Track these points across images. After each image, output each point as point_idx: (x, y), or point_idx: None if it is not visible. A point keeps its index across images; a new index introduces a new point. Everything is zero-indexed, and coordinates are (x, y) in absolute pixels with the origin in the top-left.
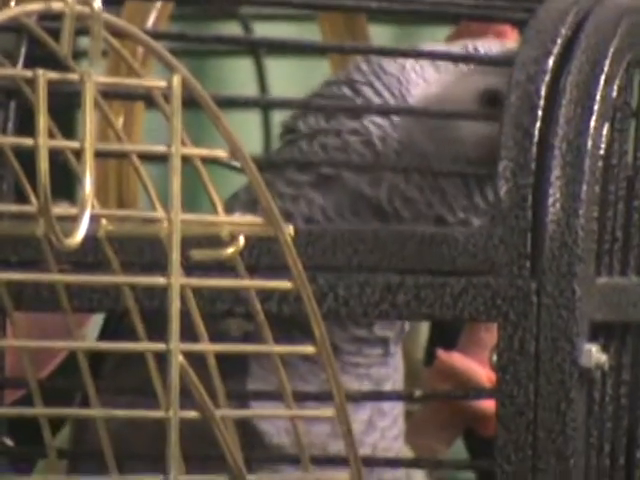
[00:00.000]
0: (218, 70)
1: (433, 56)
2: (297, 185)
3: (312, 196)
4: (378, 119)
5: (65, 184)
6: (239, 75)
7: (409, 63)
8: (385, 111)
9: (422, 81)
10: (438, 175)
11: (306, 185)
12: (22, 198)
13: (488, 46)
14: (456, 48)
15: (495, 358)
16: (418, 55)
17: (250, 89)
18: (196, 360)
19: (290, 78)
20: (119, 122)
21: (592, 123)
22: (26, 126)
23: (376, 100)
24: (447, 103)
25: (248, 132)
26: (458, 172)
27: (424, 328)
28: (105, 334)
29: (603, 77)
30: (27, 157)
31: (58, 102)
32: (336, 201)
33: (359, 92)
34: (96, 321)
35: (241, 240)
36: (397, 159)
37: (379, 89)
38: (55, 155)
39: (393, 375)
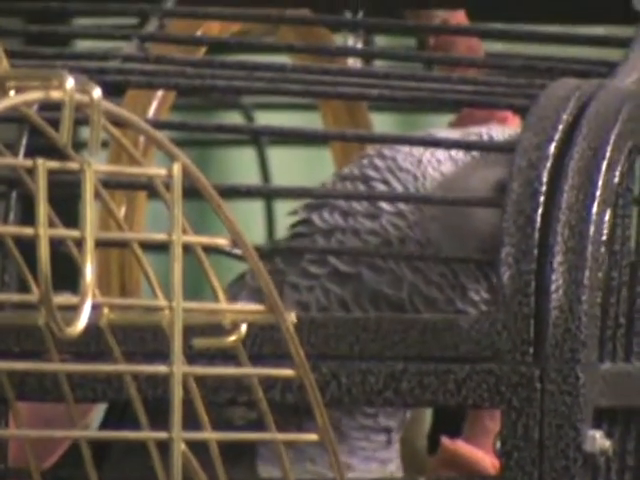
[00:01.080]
0: (220, 159)
1: (434, 144)
2: (313, 277)
3: (329, 287)
4: (396, 219)
5: (67, 273)
6: (242, 164)
7: (425, 157)
8: (394, 199)
9: (439, 175)
10: (458, 273)
11: (323, 277)
12: (25, 287)
13: (502, 133)
14: (472, 135)
15: (499, 445)
16: (421, 143)
17: (253, 178)
18: (202, 448)
19: (292, 166)
20: (121, 210)
21: (594, 209)
22: (29, 215)
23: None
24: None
25: (251, 221)
26: (474, 260)
27: (427, 415)
28: (108, 423)
29: (605, 163)
30: (29, 246)
31: (59, 191)
32: (355, 293)
33: (374, 190)
34: (99, 410)
35: (243, 328)
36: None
37: (395, 187)
38: (56, 244)
39: (395, 458)
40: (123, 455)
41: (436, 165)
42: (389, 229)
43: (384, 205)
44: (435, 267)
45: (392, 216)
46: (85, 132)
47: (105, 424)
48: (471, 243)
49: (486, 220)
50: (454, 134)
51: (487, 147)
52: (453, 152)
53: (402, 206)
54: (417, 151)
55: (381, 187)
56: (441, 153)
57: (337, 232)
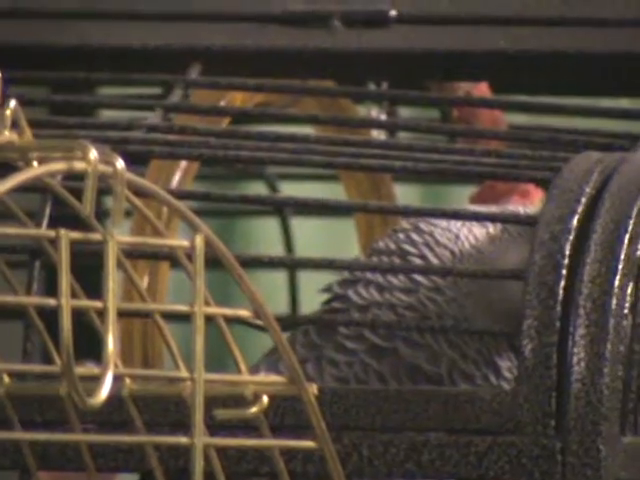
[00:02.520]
0: (244, 230)
1: (457, 217)
2: (351, 352)
3: (368, 361)
4: (433, 294)
5: (90, 342)
6: (265, 234)
7: (463, 233)
8: (417, 271)
9: (476, 252)
10: (491, 350)
11: (360, 352)
12: (48, 356)
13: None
14: (508, 210)
15: None
16: (443, 215)
17: (276, 248)
18: None
19: (316, 237)
20: (144, 281)
21: (616, 282)
22: (52, 284)
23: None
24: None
25: (274, 292)
26: (498, 332)
27: None
28: None
29: (627, 236)
30: (52, 316)
31: (82, 260)
32: (392, 368)
33: (411, 264)
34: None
35: (265, 399)
36: (454, 335)
37: (432, 262)
38: (79, 315)
39: None
40: None
41: (474, 242)
42: (426, 304)
43: (421, 279)
44: (472, 343)
45: (429, 291)
46: (108, 201)
47: None
48: (504, 319)
49: (520, 297)
50: (487, 209)
51: (509, 220)
52: (491, 229)
53: (439, 281)
54: (455, 226)
55: (418, 262)
56: (478, 230)
57: (373, 307)
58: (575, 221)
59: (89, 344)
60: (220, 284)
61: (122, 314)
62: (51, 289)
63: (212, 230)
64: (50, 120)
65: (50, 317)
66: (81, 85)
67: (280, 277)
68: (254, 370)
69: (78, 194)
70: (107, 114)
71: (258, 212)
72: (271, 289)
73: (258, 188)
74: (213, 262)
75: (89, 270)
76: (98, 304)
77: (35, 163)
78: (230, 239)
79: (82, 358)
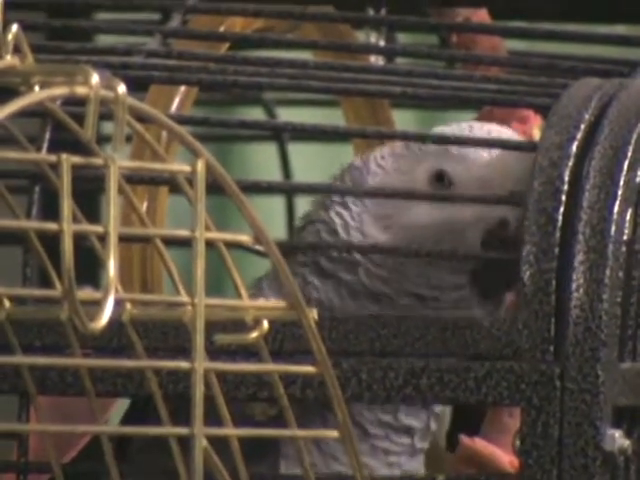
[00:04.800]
0: (242, 155)
1: (457, 142)
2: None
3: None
4: (340, 209)
5: (89, 268)
6: (263, 160)
7: (372, 156)
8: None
9: (381, 170)
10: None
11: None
12: (47, 282)
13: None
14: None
15: (518, 443)
16: (441, 140)
17: (274, 174)
18: (224, 445)
19: (314, 163)
20: (143, 206)
21: (615, 208)
22: (51, 210)
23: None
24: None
25: (271, 216)
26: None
27: (446, 414)
28: (130, 417)
29: (627, 162)
30: (52, 241)
31: (82, 186)
32: (336, 287)
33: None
34: (121, 404)
35: (265, 324)
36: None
37: (347, 183)
38: (79, 239)
39: (420, 470)
40: (144, 449)
41: (381, 161)
42: (335, 219)
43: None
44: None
45: (340, 208)
46: (107, 127)
47: (127, 418)
48: (409, 232)
49: (425, 211)
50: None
51: (509, 146)
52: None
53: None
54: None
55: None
56: (386, 151)
57: (309, 225)
58: (574, 147)
59: (87, 269)
60: (217, 210)
61: (123, 239)
62: (50, 214)
63: (211, 155)
64: (49, 45)
65: (49, 242)
66: (80, 10)
67: (277, 202)
68: (256, 291)
69: (77, 119)
70: (105, 39)
71: (256, 137)
72: (269, 214)
73: (256, 114)
74: (212, 188)
75: (86, 195)
76: (99, 229)
77: (37, 88)
78: (227, 164)
79: (80, 283)
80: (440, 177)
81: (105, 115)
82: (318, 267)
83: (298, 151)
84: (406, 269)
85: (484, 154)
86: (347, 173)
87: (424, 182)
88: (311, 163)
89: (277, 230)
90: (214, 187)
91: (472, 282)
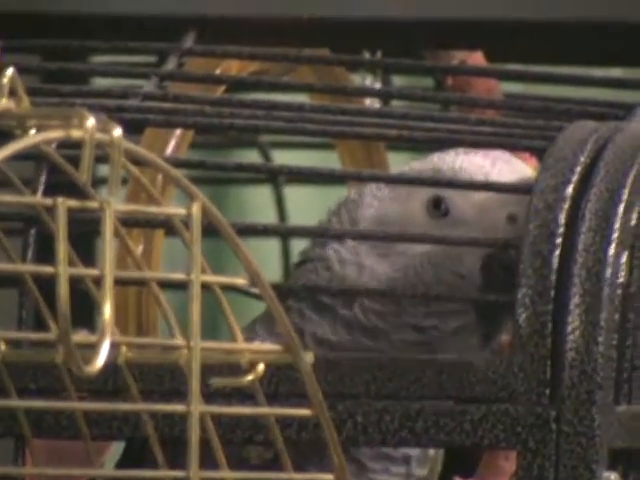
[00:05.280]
0: (238, 197)
1: (454, 185)
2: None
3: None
4: (336, 245)
5: (85, 311)
6: (258, 202)
7: (368, 187)
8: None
9: (377, 201)
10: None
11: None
12: (42, 325)
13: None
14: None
15: None
16: (437, 184)
17: (269, 216)
18: None
19: (309, 205)
20: (139, 249)
21: (611, 251)
22: (46, 252)
23: (338, 226)
24: (398, 219)
25: (267, 259)
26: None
27: (439, 455)
28: (126, 460)
29: (622, 205)
30: (47, 283)
31: (78, 229)
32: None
33: (330, 222)
34: (117, 447)
35: (260, 367)
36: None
37: (343, 217)
38: (75, 282)
39: None
40: None
41: (377, 193)
42: (330, 255)
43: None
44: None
45: (335, 243)
46: (103, 169)
47: (123, 461)
48: (403, 260)
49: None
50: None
51: (503, 188)
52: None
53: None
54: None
55: (334, 219)
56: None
57: (309, 263)
58: (570, 190)
59: (83, 311)
60: (213, 251)
61: (118, 282)
62: (45, 257)
63: (207, 198)
64: (45, 88)
65: (45, 285)
66: (76, 53)
67: (273, 245)
68: (250, 333)
69: (74, 162)
70: (100, 82)
71: (252, 180)
72: (264, 257)
73: (252, 156)
74: (207, 230)
75: (82, 238)
76: (95, 272)
77: (32, 131)
78: (223, 207)
79: (75, 326)
80: (437, 203)
81: (101, 158)
82: (315, 300)
83: (294, 193)
84: (403, 299)
85: (481, 179)
86: (343, 207)
87: (421, 209)
88: (307, 205)
89: (273, 272)
90: (210, 230)
91: (472, 306)
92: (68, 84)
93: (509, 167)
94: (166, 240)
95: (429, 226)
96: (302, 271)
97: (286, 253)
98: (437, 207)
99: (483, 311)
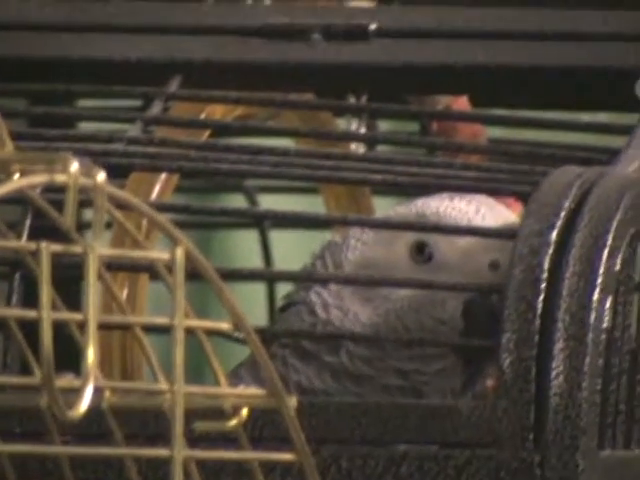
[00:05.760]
0: (223, 242)
1: (439, 230)
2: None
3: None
4: (320, 289)
5: (69, 355)
6: (244, 247)
7: (352, 231)
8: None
9: (360, 244)
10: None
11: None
12: (27, 369)
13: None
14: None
15: None
16: (423, 229)
17: (255, 261)
18: None
19: (295, 250)
20: (123, 293)
21: (595, 296)
22: (31, 296)
23: (322, 270)
24: (381, 263)
25: (252, 303)
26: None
27: None
28: None
29: (606, 251)
30: (31, 327)
31: (62, 273)
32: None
33: (315, 266)
34: None
35: (244, 412)
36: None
37: (327, 261)
38: (59, 327)
39: None
40: None
41: (362, 237)
42: (314, 299)
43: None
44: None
45: (319, 287)
46: (88, 213)
47: None
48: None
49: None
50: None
51: (488, 233)
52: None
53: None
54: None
55: (318, 262)
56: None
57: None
58: (554, 235)
59: (66, 356)
60: (198, 296)
61: (102, 326)
62: (30, 300)
63: (191, 242)
64: (30, 132)
65: (29, 329)
66: (61, 97)
67: (259, 289)
68: (234, 378)
69: (58, 206)
70: (86, 127)
71: (237, 225)
72: (250, 301)
73: (237, 200)
74: (192, 275)
75: (66, 281)
76: (79, 316)
77: (16, 175)
78: (209, 251)
79: (59, 370)
80: (421, 248)
81: (85, 202)
82: (299, 348)
83: (279, 238)
84: (387, 343)
85: (464, 224)
86: (327, 250)
87: (405, 253)
88: (292, 250)
89: (258, 317)
90: (194, 274)
91: (454, 349)
92: (54, 128)
93: (493, 213)
94: (152, 284)
95: (412, 271)
96: (286, 315)
97: (272, 298)
98: (421, 252)
99: (464, 355)
